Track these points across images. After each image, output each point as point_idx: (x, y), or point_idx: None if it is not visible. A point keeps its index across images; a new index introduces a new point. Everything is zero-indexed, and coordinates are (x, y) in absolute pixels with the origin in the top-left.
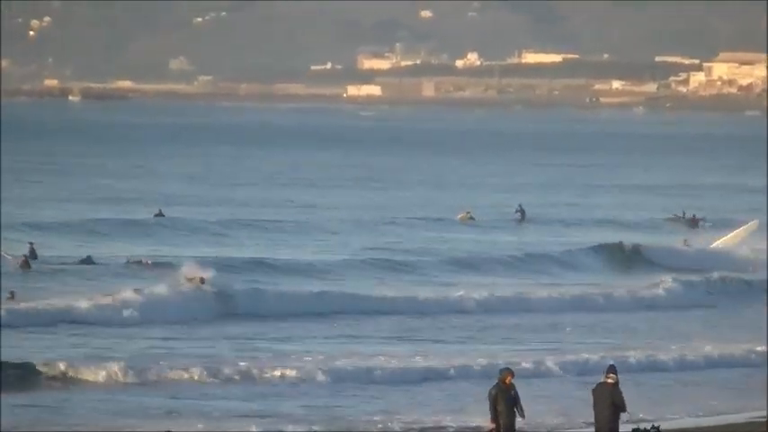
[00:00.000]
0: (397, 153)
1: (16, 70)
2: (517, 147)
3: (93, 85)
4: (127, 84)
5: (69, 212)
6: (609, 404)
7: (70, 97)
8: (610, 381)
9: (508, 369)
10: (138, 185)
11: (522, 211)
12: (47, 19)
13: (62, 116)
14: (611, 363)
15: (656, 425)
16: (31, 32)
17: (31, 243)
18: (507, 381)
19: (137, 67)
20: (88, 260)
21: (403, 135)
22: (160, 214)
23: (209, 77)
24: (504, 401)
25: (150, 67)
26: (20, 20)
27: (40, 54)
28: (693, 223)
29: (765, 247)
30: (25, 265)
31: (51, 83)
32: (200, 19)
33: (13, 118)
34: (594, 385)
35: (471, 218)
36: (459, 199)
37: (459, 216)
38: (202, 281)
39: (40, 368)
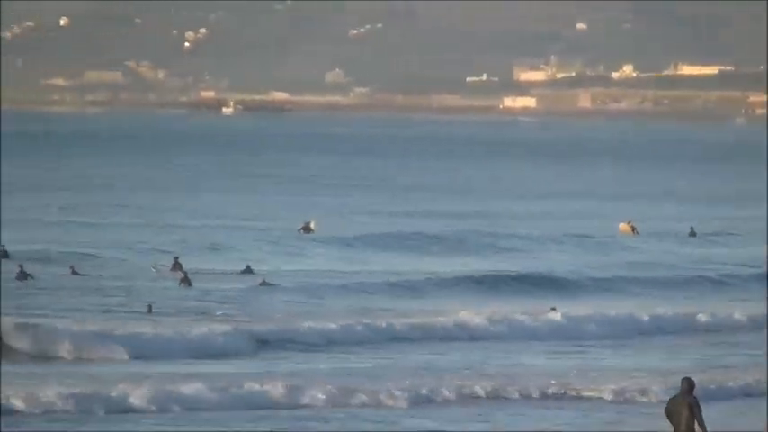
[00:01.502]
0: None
1: (173, 82)
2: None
3: (248, 97)
4: (283, 96)
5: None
6: (686, 418)
7: (224, 109)
8: (687, 394)
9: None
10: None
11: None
12: (202, 31)
13: (217, 126)
14: (687, 377)
15: None
16: (187, 44)
17: (176, 258)
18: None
19: (293, 79)
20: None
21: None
22: None
23: (365, 89)
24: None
25: (306, 79)
26: (175, 32)
27: (196, 66)
28: None
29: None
30: (185, 281)
31: (207, 94)
32: (355, 31)
33: (175, 129)
34: (670, 400)
35: (633, 228)
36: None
37: (621, 226)
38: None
39: None
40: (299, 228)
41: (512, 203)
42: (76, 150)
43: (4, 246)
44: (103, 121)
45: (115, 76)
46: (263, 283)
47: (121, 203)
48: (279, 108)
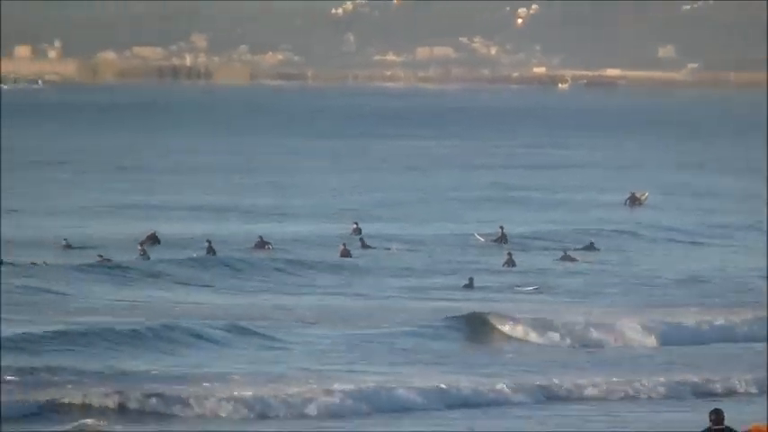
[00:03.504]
0: None
1: (505, 57)
2: None
3: (580, 72)
4: (616, 72)
5: None
6: None
7: (560, 85)
8: (718, 427)
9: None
10: None
11: None
12: (534, 7)
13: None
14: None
15: None
16: (519, 20)
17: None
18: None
19: (625, 55)
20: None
21: None
22: None
23: (696, 65)
24: None
25: (638, 54)
26: (508, 8)
27: (527, 41)
28: None
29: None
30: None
31: (539, 70)
32: (688, 6)
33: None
34: None
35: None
36: None
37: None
38: None
39: None
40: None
41: None
42: (406, 123)
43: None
44: (434, 96)
45: (447, 51)
46: None
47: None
48: (612, 83)
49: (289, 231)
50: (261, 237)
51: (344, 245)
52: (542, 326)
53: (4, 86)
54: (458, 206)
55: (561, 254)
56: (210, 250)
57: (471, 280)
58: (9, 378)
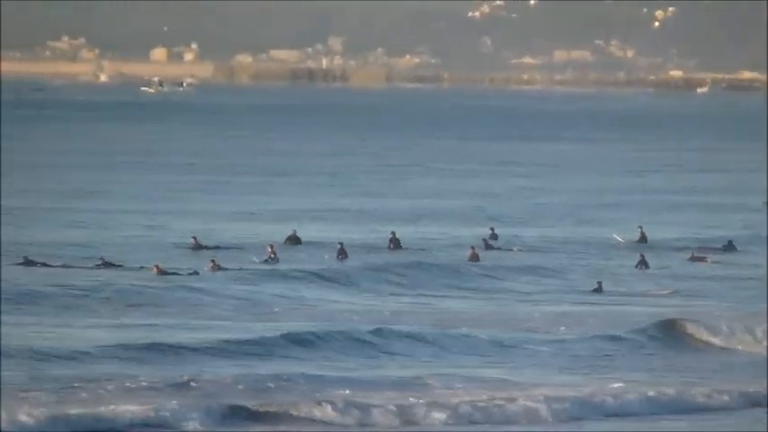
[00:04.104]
0: None
1: (641, 60)
2: None
3: (717, 75)
4: (752, 74)
5: None
6: None
7: (698, 89)
8: None
9: None
10: None
11: None
12: (671, 9)
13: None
14: None
15: None
16: (656, 23)
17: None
18: None
19: (761, 56)
20: None
21: None
22: None
23: None
24: None
25: None
26: (645, 10)
27: (664, 44)
28: None
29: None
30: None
31: (675, 73)
32: None
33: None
34: None
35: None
36: None
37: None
38: None
39: None
40: None
41: None
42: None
43: None
44: (569, 99)
45: (584, 54)
46: None
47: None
48: (749, 86)
49: (419, 232)
50: (393, 232)
51: (473, 248)
52: (737, 330)
53: (150, 90)
54: (599, 209)
55: (694, 254)
56: (342, 252)
57: (600, 284)
58: (269, 385)
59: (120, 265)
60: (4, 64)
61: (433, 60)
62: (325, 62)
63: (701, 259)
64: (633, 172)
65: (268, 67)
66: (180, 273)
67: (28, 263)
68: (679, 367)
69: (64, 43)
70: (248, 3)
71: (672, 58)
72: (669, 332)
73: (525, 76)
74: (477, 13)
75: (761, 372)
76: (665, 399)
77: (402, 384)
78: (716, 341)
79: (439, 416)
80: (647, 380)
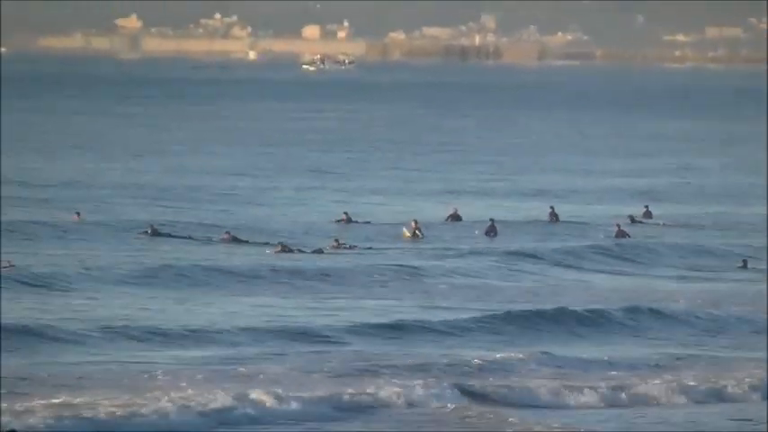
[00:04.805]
0: None
1: None
2: None
3: None
4: None
5: None
6: None
7: None
8: None
9: None
10: None
11: None
12: None
13: None
14: None
15: None
16: None
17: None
18: None
19: None
20: None
21: None
22: None
23: None
24: None
25: None
26: None
27: None
28: None
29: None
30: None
31: None
32: None
33: None
34: None
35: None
36: None
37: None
38: None
39: None
40: None
41: None
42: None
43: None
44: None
45: (736, 31)
46: None
47: None
48: None
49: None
50: (552, 207)
51: (619, 225)
52: None
53: (310, 68)
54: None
55: None
56: (492, 229)
57: (745, 262)
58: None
59: (246, 241)
60: (155, 41)
61: (585, 37)
62: (477, 39)
63: None
64: None
65: (421, 44)
66: (304, 250)
67: (154, 233)
68: None
69: (216, 21)
70: None
71: None
72: None
73: (677, 53)
74: None
75: None
76: None
77: None
78: None
79: None
80: None
